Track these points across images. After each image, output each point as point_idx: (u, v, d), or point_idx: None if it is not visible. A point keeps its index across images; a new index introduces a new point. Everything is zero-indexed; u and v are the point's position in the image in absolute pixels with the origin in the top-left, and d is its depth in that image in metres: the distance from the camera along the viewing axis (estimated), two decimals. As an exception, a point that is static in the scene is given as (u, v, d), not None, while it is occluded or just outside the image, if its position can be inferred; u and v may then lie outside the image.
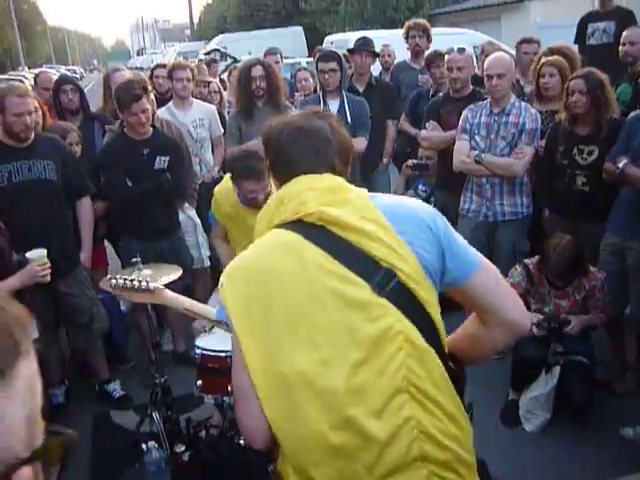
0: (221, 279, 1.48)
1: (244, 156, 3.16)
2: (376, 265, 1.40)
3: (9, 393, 0.62)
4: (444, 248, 1.46)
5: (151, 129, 3.83)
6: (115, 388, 3.93)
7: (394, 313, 1.38)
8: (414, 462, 1.35)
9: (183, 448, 2.93)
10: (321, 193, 1.47)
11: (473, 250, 1.54)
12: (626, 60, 4.58)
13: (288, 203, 1.48)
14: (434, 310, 1.43)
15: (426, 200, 4.74)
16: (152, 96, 4.22)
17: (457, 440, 1.40)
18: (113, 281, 2.61)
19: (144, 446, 3.04)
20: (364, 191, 1.54)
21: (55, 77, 5.28)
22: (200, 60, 8.51)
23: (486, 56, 5.38)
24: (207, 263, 4.49)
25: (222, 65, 12.41)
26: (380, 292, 1.38)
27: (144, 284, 2.50)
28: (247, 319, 1.40)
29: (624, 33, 4.69)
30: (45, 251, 3.07)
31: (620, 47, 4.63)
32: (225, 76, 7.22)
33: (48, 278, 3.09)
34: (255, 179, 3.07)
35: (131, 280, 2.55)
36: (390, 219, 1.44)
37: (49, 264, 3.08)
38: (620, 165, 3.38)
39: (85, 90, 4.78)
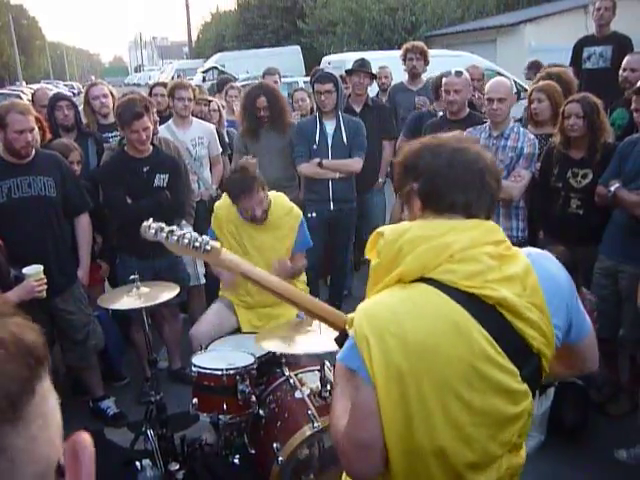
0: (362, 330, 1.34)
1: (234, 176, 3.33)
2: (529, 353, 1.40)
3: (30, 429, 0.61)
4: (572, 320, 1.49)
5: (151, 147, 3.86)
6: (109, 405, 3.92)
7: (529, 397, 1.43)
8: None
9: (177, 467, 2.92)
10: (496, 261, 1.37)
11: (586, 313, 1.57)
12: (624, 85, 4.61)
13: (459, 262, 1.34)
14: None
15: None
16: (155, 115, 4.28)
17: (521, 464, 1.52)
18: (163, 234, 2.20)
19: (138, 464, 3.02)
20: (528, 262, 1.42)
21: (51, 93, 5.31)
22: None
23: (472, 79, 5.42)
24: (202, 280, 4.53)
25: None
26: (526, 381, 1.40)
27: (197, 243, 2.11)
28: (396, 386, 1.33)
29: (626, 58, 4.65)
30: (42, 267, 3.09)
31: (620, 72, 4.62)
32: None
33: (44, 294, 3.12)
34: (246, 196, 3.23)
35: (183, 236, 2.14)
36: (544, 287, 1.40)
37: (45, 280, 3.10)
38: (612, 189, 3.43)
39: (83, 105, 4.84)
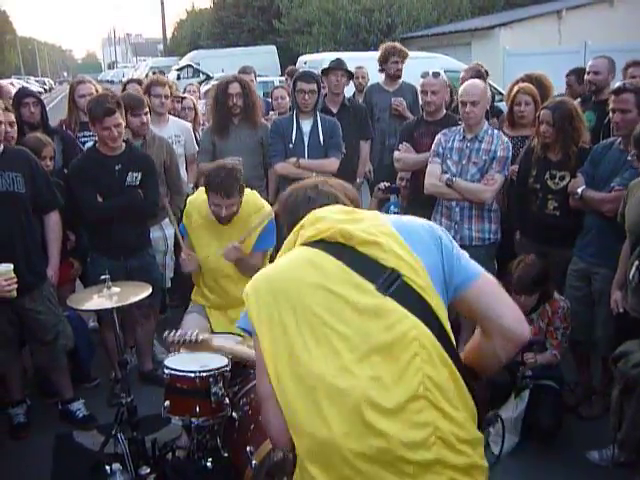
0: (245, 290, 1.58)
1: (220, 170, 3.29)
2: (382, 268, 1.50)
3: None
4: (449, 258, 1.58)
5: (123, 144, 3.78)
6: (79, 407, 3.83)
7: (410, 320, 1.46)
8: (434, 466, 1.41)
9: (148, 470, 2.86)
10: (337, 214, 1.61)
11: (474, 262, 1.64)
12: (590, 88, 4.70)
13: (308, 226, 1.61)
14: (445, 321, 1.51)
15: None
16: (146, 109, 4.20)
17: (471, 445, 1.47)
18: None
19: (108, 468, 2.94)
20: (377, 212, 1.69)
21: (14, 89, 5.16)
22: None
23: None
24: (168, 284, 4.48)
25: (194, 81, 12.41)
26: (385, 291, 1.47)
27: (193, 337, 2.75)
28: (270, 327, 1.49)
29: (589, 62, 4.77)
30: (12, 266, 3.01)
31: (585, 76, 4.72)
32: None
33: (14, 293, 3.03)
34: (221, 195, 3.22)
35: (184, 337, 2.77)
36: (401, 232, 1.57)
37: (16, 279, 3.01)
38: (579, 191, 3.48)
39: (55, 102, 4.73)
